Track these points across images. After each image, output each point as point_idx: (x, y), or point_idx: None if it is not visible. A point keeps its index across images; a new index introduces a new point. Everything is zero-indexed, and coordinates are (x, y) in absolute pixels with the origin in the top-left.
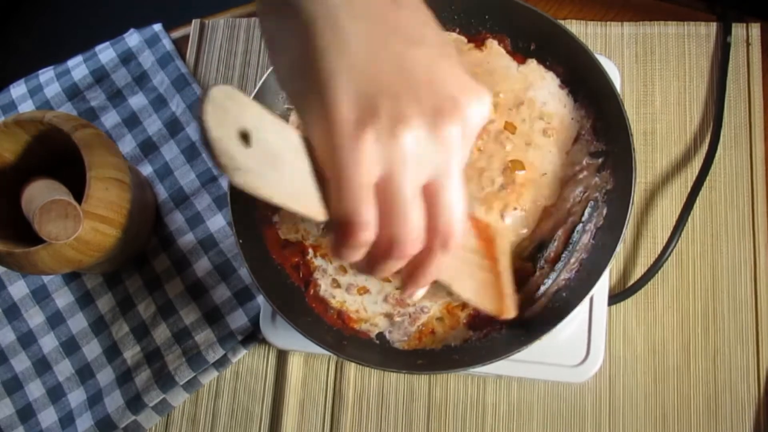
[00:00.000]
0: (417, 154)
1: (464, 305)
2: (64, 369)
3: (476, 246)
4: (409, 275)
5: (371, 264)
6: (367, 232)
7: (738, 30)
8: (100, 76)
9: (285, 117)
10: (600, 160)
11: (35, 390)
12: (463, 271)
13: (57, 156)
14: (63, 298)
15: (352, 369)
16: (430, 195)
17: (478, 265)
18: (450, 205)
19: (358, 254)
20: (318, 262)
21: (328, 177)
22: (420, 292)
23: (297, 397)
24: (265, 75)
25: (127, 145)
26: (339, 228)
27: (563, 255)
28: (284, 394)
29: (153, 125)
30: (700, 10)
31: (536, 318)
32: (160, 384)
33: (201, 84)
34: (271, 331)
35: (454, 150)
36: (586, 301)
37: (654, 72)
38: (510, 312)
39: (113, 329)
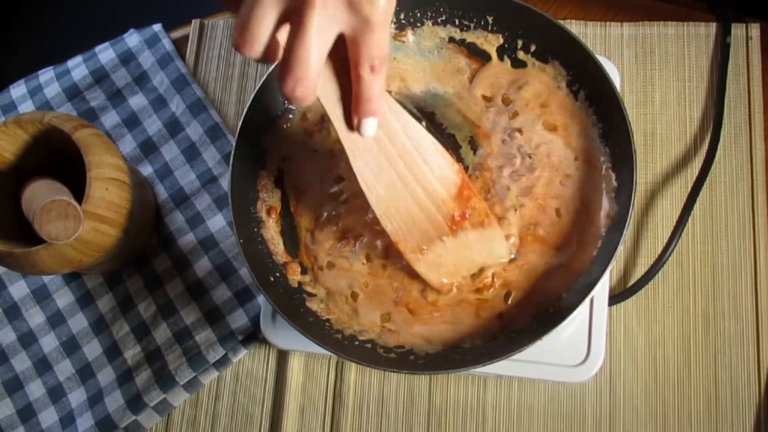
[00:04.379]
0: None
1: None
2: (64, 369)
3: (446, 199)
4: (356, 104)
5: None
6: (246, 39)
7: (738, 30)
8: (100, 77)
9: (284, 116)
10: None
11: (36, 390)
12: (407, 206)
13: (57, 156)
14: (63, 298)
15: (352, 373)
16: (349, 41)
17: (427, 215)
18: (369, 44)
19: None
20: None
21: None
22: (370, 125)
23: (297, 400)
24: (266, 74)
25: (127, 145)
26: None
27: None
28: (284, 398)
29: (153, 125)
30: (699, 11)
31: (537, 318)
32: (161, 384)
33: (201, 84)
34: (271, 331)
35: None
36: (586, 301)
37: (654, 72)
38: (414, 262)
39: (114, 329)
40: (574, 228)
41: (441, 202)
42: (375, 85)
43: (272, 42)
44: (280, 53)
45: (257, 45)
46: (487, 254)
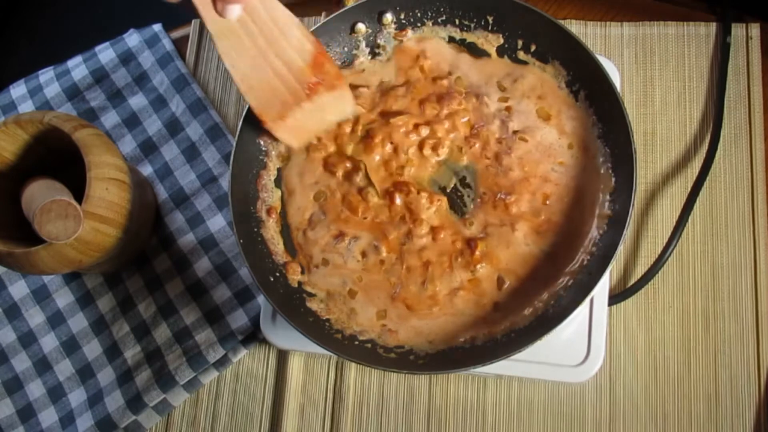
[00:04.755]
0: None
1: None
2: (64, 369)
3: (302, 68)
4: None
5: None
6: None
7: (738, 30)
8: (100, 77)
9: None
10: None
11: (36, 390)
12: (268, 79)
13: (57, 156)
14: (63, 298)
15: (352, 372)
16: None
17: (286, 85)
18: None
19: None
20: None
21: None
22: (234, 9)
23: (297, 400)
24: None
25: (127, 145)
26: None
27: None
28: (284, 397)
29: (153, 125)
30: (699, 11)
31: (537, 318)
32: (161, 384)
33: (201, 84)
34: (271, 331)
35: None
36: (586, 301)
37: (654, 72)
38: (275, 129)
39: (114, 329)
40: (565, 217)
41: (299, 72)
42: None
43: None
44: None
45: None
46: (338, 112)
